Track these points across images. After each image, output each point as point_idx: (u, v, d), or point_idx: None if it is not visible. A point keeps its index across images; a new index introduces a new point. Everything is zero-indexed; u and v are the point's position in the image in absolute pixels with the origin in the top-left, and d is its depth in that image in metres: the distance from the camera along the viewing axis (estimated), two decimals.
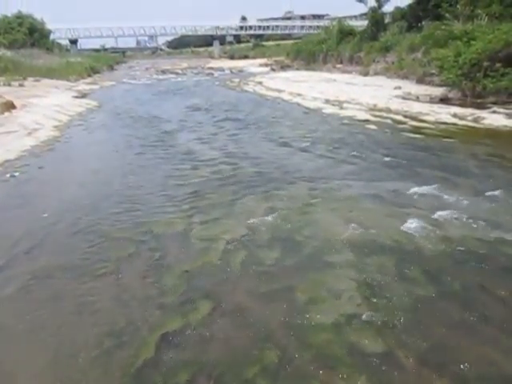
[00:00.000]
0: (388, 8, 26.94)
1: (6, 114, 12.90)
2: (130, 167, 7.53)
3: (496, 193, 5.60)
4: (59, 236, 4.90)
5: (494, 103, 12.15)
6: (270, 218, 5.15)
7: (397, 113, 12.25)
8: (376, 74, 21.91)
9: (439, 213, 5.05)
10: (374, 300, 3.58)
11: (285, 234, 4.78)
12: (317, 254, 4.35)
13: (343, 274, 3.99)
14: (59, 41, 50.69)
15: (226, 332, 3.27)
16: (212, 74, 33.36)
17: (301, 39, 42.97)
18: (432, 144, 8.68)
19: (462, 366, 2.89)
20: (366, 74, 22.76)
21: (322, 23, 49.11)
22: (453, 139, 8.99)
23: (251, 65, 40.36)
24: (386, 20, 25.69)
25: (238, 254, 4.37)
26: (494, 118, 10.54)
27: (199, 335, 3.24)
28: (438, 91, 14.22)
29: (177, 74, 35.56)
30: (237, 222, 5.10)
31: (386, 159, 7.72)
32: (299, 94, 17.20)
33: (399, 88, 16.49)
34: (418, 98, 14.31)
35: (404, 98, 14.55)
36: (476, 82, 12.79)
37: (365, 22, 27.57)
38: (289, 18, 74.66)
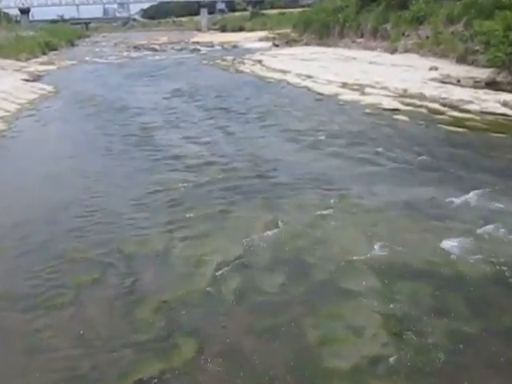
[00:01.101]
0: None
1: None
2: (94, 170, 7.59)
3: None
4: (5, 256, 4.92)
5: None
6: (271, 234, 5.19)
7: (433, 100, 12.41)
8: (406, 51, 22.17)
9: (486, 228, 5.09)
10: (404, 339, 3.57)
11: (291, 255, 4.81)
12: (332, 280, 4.37)
13: (365, 306, 4.00)
14: (6, 10, 51.17)
15: (215, 381, 3.27)
16: (198, 51, 33.75)
17: (311, 7, 43.19)
18: (477, 140, 8.77)
19: None
20: (393, 52, 23.03)
21: None
22: (503, 134, 9.08)
23: (248, 39, 40.72)
24: None
25: (231, 279, 4.40)
26: None
27: None
28: (484, 73, 14.32)
29: (154, 50, 35.99)
30: (230, 238, 5.14)
31: (420, 159, 7.80)
32: (309, 76, 17.40)
33: (435, 69, 16.70)
34: (458, 81, 14.46)
35: (441, 82, 14.73)
36: None
37: None
38: None
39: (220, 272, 4.52)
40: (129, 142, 9.28)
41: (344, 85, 15.42)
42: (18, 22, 52.14)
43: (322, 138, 9.31)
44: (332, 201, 6.08)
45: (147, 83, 17.99)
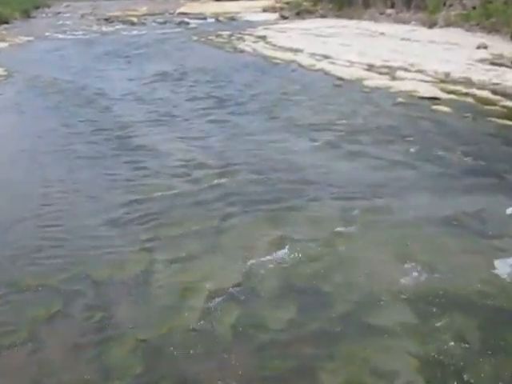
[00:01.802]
0: None
1: None
2: (56, 177, 7.64)
3: None
4: None
5: None
6: (278, 256, 5.23)
7: (482, 87, 12.50)
8: (448, 24, 22.34)
9: None
10: None
11: (302, 282, 4.84)
12: (354, 314, 4.39)
13: (396, 346, 4.01)
14: None
15: None
16: (187, 25, 34.00)
17: None
18: None
19: None
20: (431, 26, 23.20)
21: None
22: None
23: (249, 9, 41.06)
24: None
25: (227, 313, 4.42)
26: None
27: None
28: None
29: (131, 24, 36.29)
30: (225, 261, 5.16)
31: (466, 161, 7.85)
32: (326, 57, 17.59)
33: (484, 47, 16.81)
34: None
35: (492, 64, 14.82)
36: None
37: None
38: None
39: (213, 303, 4.54)
40: (100, 142, 9.30)
41: (370, 67, 15.56)
42: None
43: (342, 134, 9.39)
44: (354, 214, 6.11)
45: (123, 66, 18.14)
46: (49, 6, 59.69)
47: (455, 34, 20.01)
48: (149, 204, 6.61)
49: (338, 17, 31.16)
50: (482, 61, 15.23)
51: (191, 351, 4.03)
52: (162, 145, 9.00)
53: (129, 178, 7.56)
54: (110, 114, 11.48)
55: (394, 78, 13.97)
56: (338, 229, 5.76)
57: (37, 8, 52.74)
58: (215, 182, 7.23)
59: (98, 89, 14.18)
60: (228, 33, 26.70)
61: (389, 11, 27.93)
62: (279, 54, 18.94)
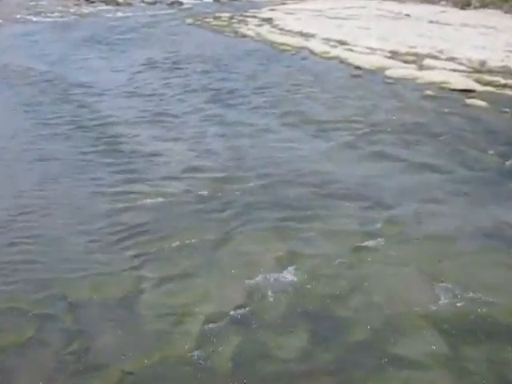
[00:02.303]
0: None
1: None
2: (29, 183, 7.64)
3: None
4: None
5: None
6: (287, 274, 5.24)
7: None
8: (484, 5, 22.39)
9: None
10: None
11: (315, 305, 4.84)
12: (375, 343, 4.38)
13: (424, 380, 4.00)
14: None
15: None
16: (180, 4, 34.22)
17: None
18: None
19: None
20: (464, 6, 23.28)
21: None
22: None
23: None
24: None
25: (226, 341, 4.42)
26: None
27: None
28: None
29: (115, 4, 36.48)
30: (226, 280, 5.18)
31: (505, 163, 7.90)
32: (342, 42, 17.71)
33: None
34: None
35: None
36: None
37: None
38: None
39: (210, 329, 4.54)
40: (81, 144, 9.28)
41: (393, 54, 15.62)
42: None
43: (362, 132, 9.42)
44: (376, 225, 6.13)
45: (106, 54, 18.14)
46: None
47: (492, 17, 20.05)
48: (137, 213, 6.62)
49: None
50: None
51: None
52: (152, 146, 9.04)
53: (114, 183, 7.57)
54: (92, 111, 11.42)
55: (421, 68, 14.02)
56: (358, 243, 5.77)
57: None
58: (214, 188, 7.26)
59: (77, 81, 14.14)
60: (228, 14, 26.89)
61: None
62: (287, 40, 19.04)
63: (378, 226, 6.13)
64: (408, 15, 22.86)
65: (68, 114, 11.18)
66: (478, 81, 12.43)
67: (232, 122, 10.33)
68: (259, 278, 5.17)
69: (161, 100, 12.08)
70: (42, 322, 4.73)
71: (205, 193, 7.15)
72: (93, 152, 8.87)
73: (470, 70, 13.54)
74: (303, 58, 16.26)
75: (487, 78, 12.69)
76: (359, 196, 6.94)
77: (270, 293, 4.98)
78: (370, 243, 5.77)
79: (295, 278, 5.18)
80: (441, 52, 15.39)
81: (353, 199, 6.85)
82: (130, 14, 29.81)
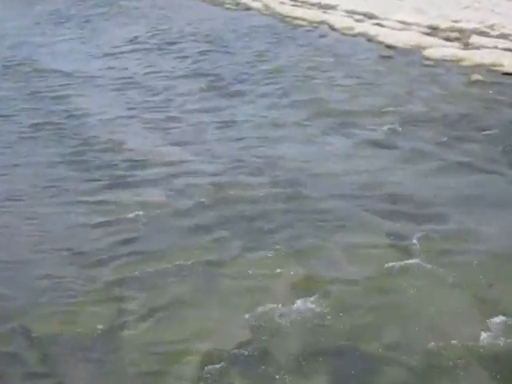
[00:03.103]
0: None
1: None
2: None
3: None
4: None
5: None
6: (303, 303, 5.22)
7: None
8: None
9: None
10: None
11: (337, 340, 4.81)
12: None
13: None
14: None
15: None
16: None
17: None
18: None
19: None
20: None
21: None
22: None
23: None
24: None
25: None
26: None
27: None
28: None
29: None
30: (227, 311, 5.17)
31: None
32: (370, 16, 17.65)
33: None
34: None
35: None
36: None
37: None
38: None
39: (209, 372, 4.52)
40: (51, 144, 9.29)
41: (433, 30, 15.60)
42: None
43: (394, 127, 9.43)
44: (412, 241, 6.12)
45: (78, 33, 18.17)
46: None
47: None
48: (118, 228, 6.65)
49: None
50: None
51: None
52: (136, 146, 9.07)
53: (90, 192, 7.59)
54: (63, 104, 11.46)
55: (466, 46, 14.01)
56: (390, 263, 5.75)
57: None
58: (213, 197, 7.27)
59: (44, 68, 14.14)
60: None
61: None
62: (302, 13, 19.01)
63: (415, 241, 6.11)
64: None
65: (34, 109, 11.21)
66: None
67: (235, 115, 10.36)
68: (268, 309, 5.15)
69: (147, 90, 12.12)
70: (0, 363, 4.72)
71: (202, 202, 7.17)
72: (65, 155, 8.90)
73: None
74: (321, 36, 16.28)
75: None
76: (392, 205, 6.95)
77: (281, 327, 4.96)
78: (405, 263, 5.76)
79: (313, 308, 5.15)
80: (491, 27, 15.34)
81: (384, 209, 6.86)
82: None
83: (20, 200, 7.50)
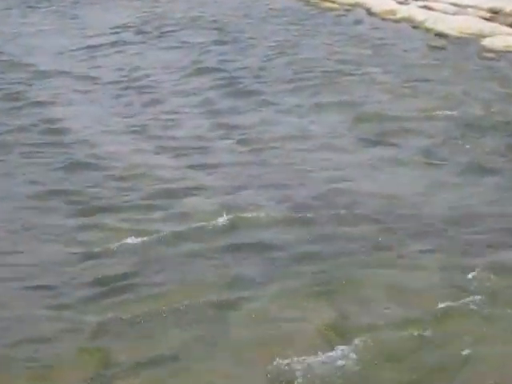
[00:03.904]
0: None
1: None
2: None
3: None
4: None
5: None
6: (334, 355, 5.18)
7: None
8: None
9: None
10: None
11: None
12: None
13: None
14: None
15: None
16: None
17: None
18: None
19: None
20: None
21: None
22: None
23: None
24: None
25: None
26: None
27: None
28: None
29: None
30: (238, 364, 5.16)
31: None
32: None
33: None
34: None
35: None
36: None
37: None
38: None
39: None
40: (24, 158, 9.40)
41: (494, 14, 15.61)
42: None
43: (448, 134, 9.46)
44: (468, 276, 6.10)
45: (56, 18, 18.40)
46: None
47: None
48: (106, 260, 6.69)
49: None
50: None
51: None
52: (129, 160, 9.14)
53: (73, 217, 7.62)
54: (38, 107, 11.60)
55: None
56: (441, 304, 5.71)
57: None
58: (220, 218, 7.28)
59: (15, 61, 14.35)
60: None
61: None
62: None
63: (471, 277, 6.09)
64: None
65: (3, 113, 11.36)
66: None
67: (248, 120, 10.44)
68: (290, 361, 5.11)
69: (139, 91, 12.26)
70: None
71: (208, 228, 7.18)
72: (40, 171, 8.96)
73: None
74: (357, 22, 16.45)
75: None
76: (443, 232, 6.95)
77: (305, 382, 4.95)
78: (459, 304, 5.72)
79: (346, 361, 5.11)
80: None
81: (433, 237, 6.86)
82: None
83: None
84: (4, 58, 14.59)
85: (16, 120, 11.04)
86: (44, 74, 13.38)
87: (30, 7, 20.20)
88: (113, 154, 9.39)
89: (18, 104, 11.73)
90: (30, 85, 12.70)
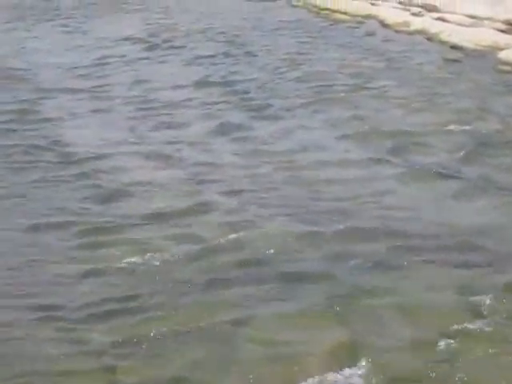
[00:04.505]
0: None
1: None
2: None
3: None
4: None
5: None
6: (347, 378, 5.14)
7: None
8: None
9: None
10: None
11: None
12: None
13: None
14: None
15: None
16: None
17: None
18: None
19: None
20: None
21: None
22: None
23: None
24: None
25: None
26: None
27: None
28: None
29: None
30: None
31: None
32: (430, 8, 17.60)
33: None
34: None
35: None
36: None
37: None
38: None
39: None
40: (28, 171, 9.43)
41: (510, 26, 15.46)
42: None
43: (464, 151, 9.43)
44: (485, 300, 6.03)
45: (61, 29, 18.41)
46: None
47: None
48: (109, 280, 6.67)
49: None
50: None
51: None
52: (131, 174, 9.18)
53: (77, 234, 7.62)
54: (41, 120, 11.66)
55: None
56: (455, 326, 5.68)
57: None
58: (230, 237, 7.28)
59: (15, 72, 14.42)
60: None
61: None
62: (344, 4, 19.26)
63: (488, 299, 6.02)
64: None
65: (6, 126, 11.38)
66: None
67: (257, 135, 10.47)
68: (302, 382, 5.10)
69: (144, 104, 12.28)
70: None
71: (216, 246, 7.18)
72: (46, 186, 9.00)
73: None
74: (369, 34, 16.48)
75: None
76: (459, 252, 6.92)
77: None
78: (474, 327, 5.69)
79: (358, 382, 5.12)
80: None
81: (449, 256, 6.83)
82: None
83: None
84: (12, 73, 14.60)
85: (25, 139, 11.00)
86: (52, 91, 13.40)
87: (37, 20, 20.25)
88: (119, 171, 9.42)
89: (27, 121, 11.70)
90: (39, 102, 12.69)
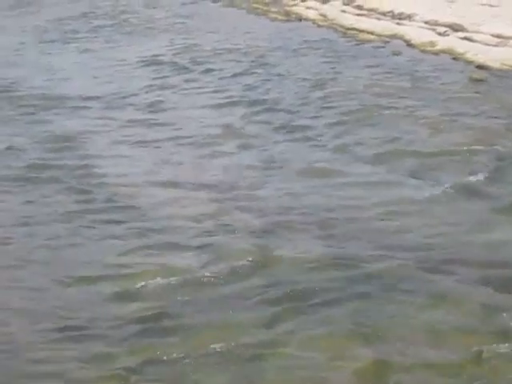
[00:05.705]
0: None
1: None
2: None
3: None
4: None
5: None
6: None
7: None
8: None
9: None
10: None
11: None
12: None
13: None
14: None
15: None
16: None
17: None
18: None
19: None
20: None
21: None
22: None
23: None
24: None
25: None
26: None
27: None
28: None
29: None
30: None
31: None
32: (456, 28, 17.56)
33: None
34: None
35: None
36: None
37: None
38: None
39: None
40: (48, 194, 9.57)
41: None
42: None
43: (488, 170, 9.53)
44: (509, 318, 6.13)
45: (83, 49, 18.53)
46: None
47: None
48: (138, 299, 6.80)
49: None
50: None
51: None
52: (157, 197, 9.29)
53: (100, 254, 7.75)
54: (67, 141, 11.71)
55: None
56: (481, 346, 5.74)
57: None
58: (256, 261, 7.39)
59: (45, 93, 14.54)
60: None
61: None
62: (369, 24, 19.26)
63: None
64: None
65: (29, 146, 11.49)
66: None
67: (283, 156, 10.54)
68: None
69: (169, 125, 12.37)
70: None
71: (242, 267, 7.27)
72: (68, 207, 9.10)
73: None
74: (395, 53, 16.48)
75: None
76: (485, 272, 6.99)
77: None
78: (500, 347, 5.72)
79: None
80: None
81: (475, 277, 6.91)
82: None
83: (15, 267, 7.67)
84: (30, 89, 14.88)
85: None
86: (75, 112, 13.56)
87: (56, 38, 20.27)
88: (141, 190, 9.59)
89: (54, 145, 11.74)
90: (63, 125, 12.78)
